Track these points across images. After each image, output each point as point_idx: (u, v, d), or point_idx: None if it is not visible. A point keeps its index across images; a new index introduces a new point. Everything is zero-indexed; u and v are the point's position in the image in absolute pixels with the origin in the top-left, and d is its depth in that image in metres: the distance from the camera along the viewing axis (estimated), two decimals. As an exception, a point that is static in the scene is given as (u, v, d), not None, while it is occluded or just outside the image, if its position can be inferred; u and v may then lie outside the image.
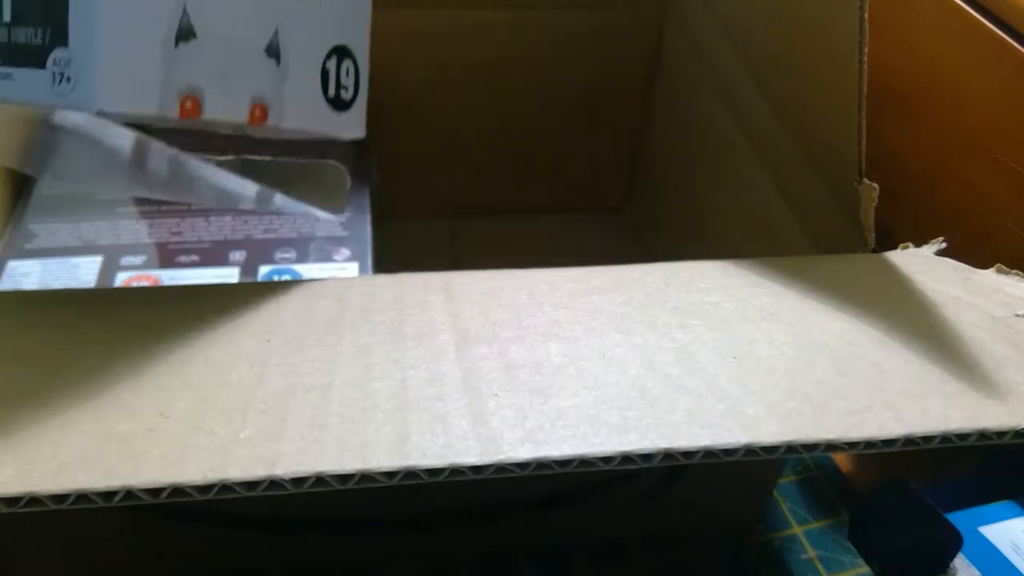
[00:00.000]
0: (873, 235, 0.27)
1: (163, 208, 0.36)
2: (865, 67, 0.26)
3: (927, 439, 0.19)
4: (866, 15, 0.26)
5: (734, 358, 0.21)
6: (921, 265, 0.26)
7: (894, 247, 0.27)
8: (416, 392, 0.20)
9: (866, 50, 0.26)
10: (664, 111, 0.50)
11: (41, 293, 0.24)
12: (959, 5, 0.33)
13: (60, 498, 0.17)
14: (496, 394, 0.20)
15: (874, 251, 0.27)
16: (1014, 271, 0.25)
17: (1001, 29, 0.32)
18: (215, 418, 0.19)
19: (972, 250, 0.35)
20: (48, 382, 0.20)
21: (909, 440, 0.19)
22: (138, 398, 0.19)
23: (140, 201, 0.36)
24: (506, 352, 0.21)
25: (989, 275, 0.26)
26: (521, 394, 0.20)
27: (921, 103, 0.36)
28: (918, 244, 0.27)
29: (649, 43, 0.49)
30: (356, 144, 0.41)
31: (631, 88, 0.51)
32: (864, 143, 0.27)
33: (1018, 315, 0.23)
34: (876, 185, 0.26)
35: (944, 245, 0.27)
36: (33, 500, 0.17)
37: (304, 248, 0.35)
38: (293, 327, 0.22)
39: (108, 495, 0.17)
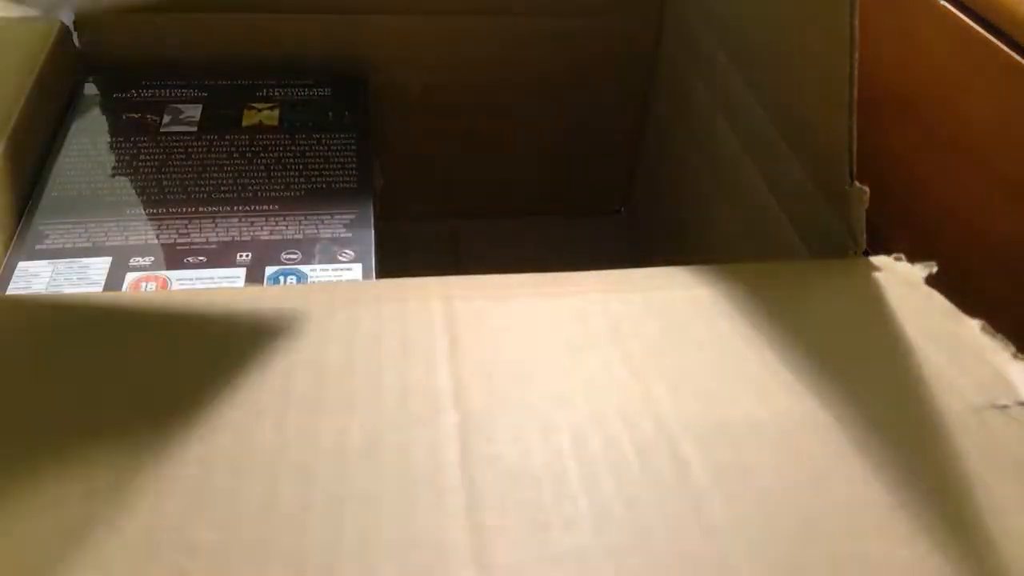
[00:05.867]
0: (864, 237, 0.28)
1: (170, 210, 0.37)
2: (856, 72, 0.27)
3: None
4: (856, 21, 0.26)
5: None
6: (911, 303, 0.26)
7: (886, 248, 0.28)
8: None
9: (856, 55, 0.26)
10: (662, 114, 0.50)
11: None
12: (950, 9, 0.34)
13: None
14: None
15: (865, 253, 0.28)
16: (999, 334, 0.24)
17: (991, 33, 0.32)
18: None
19: (963, 252, 0.35)
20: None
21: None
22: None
23: (148, 202, 0.37)
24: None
25: (975, 332, 0.24)
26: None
27: (913, 105, 0.37)
28: (911, 247, 0.27)
29: (647, 48, 0.50)
30: (360, 147, 0.41)
31: (630, 92, 0.52)
32: (855, 146, 0.27)
33: (996, 406, 0.21)
34: (866, 188, 0.27)
35: (935, 269, 0.27)
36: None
37: (310, 249, 0.35)
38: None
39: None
